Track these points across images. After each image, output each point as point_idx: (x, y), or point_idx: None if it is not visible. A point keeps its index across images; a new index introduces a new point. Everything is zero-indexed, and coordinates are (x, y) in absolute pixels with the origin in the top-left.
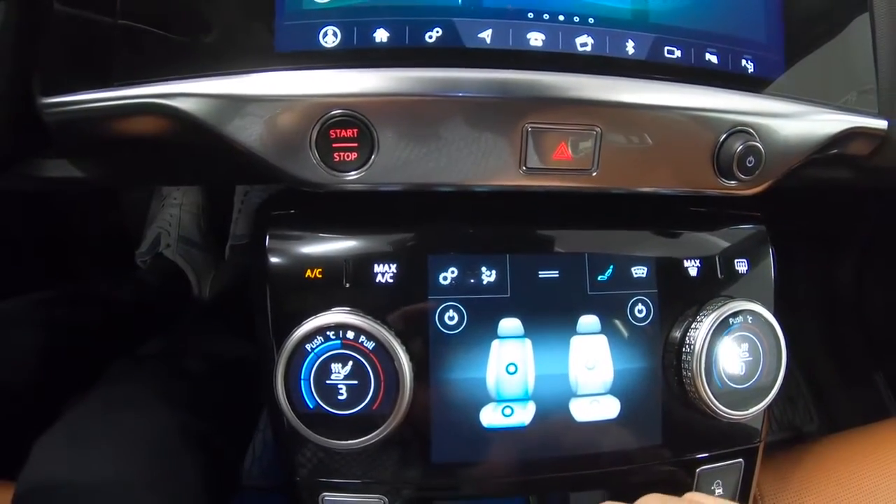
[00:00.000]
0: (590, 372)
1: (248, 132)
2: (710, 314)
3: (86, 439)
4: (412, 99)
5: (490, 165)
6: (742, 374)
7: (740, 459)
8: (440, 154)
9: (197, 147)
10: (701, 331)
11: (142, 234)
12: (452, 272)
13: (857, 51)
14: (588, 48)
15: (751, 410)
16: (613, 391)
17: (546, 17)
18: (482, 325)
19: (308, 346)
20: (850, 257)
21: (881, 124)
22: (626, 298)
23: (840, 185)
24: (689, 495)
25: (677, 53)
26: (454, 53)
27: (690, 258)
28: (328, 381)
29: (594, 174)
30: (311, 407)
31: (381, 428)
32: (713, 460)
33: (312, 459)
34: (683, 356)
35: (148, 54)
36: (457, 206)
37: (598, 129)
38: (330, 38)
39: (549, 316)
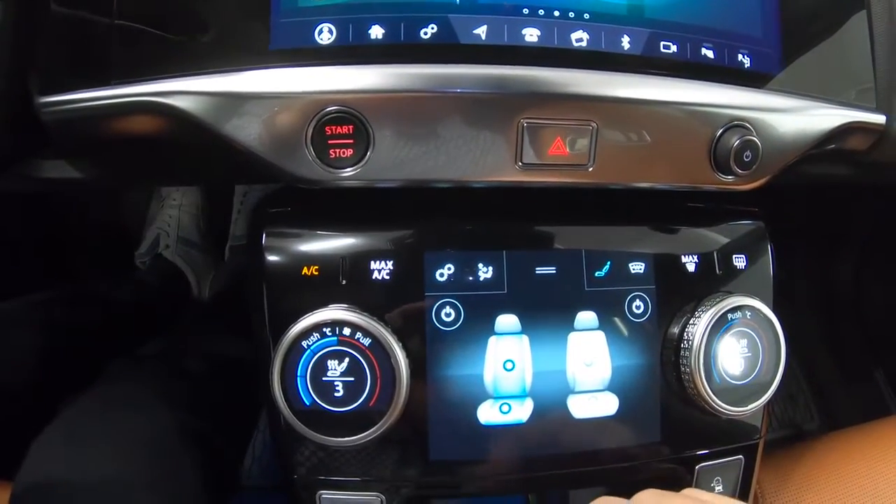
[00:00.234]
0: (588, 368)
1: (244, 129)
2: (709, 310)
3: (84, 438)
4: (407, 95)
5: (486, 161)
6: (741, 370)
7: (740, 456)
8: (436, 150)
9: (194, 146)
10: (699, 326)
11: (141, 234)
12: (449, 269)
13: (855, 46)
14: (583, 43)
15: (750, 407)
16: (612, 388)
17: (541, 12)
18: (479, 322)
19: (304, 343)
20: (850, 254)
21: (879, 119)
22: (623, 294)
23: (838, 181)
24: (686, 491)
25: (673, 48)
26: (449, 50)
27: (688, 254)
28: (324, 378)
29: (590, 169)
30: (308, 404)
31: (378, 425)
32: (713, 457)
33: (309, 457)
34: (682, 352)
35: (145, 53)
36: (453, 202)
37: (594, 125)
38: (325, 35)
39: (547, 312)
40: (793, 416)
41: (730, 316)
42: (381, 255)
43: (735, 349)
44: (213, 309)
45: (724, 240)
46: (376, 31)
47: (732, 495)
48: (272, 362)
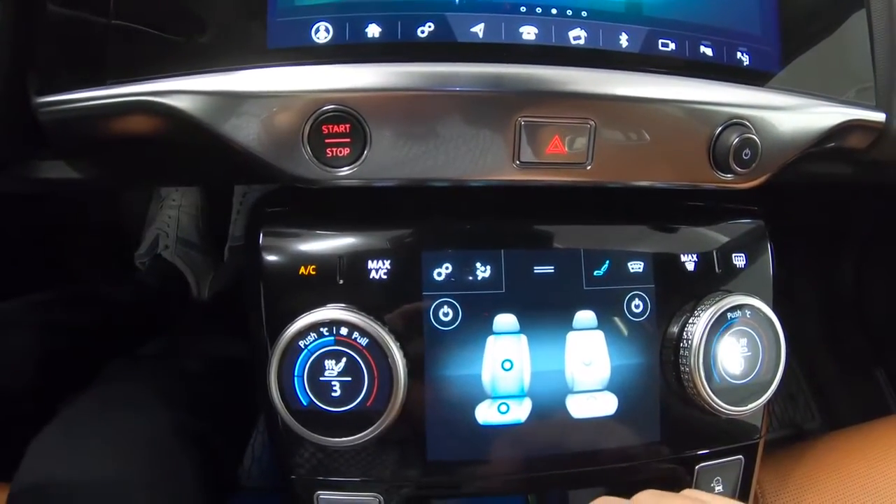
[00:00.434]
0: (586, 368)
1: (241, 128)
2: (708, 309)
3: (82, 438)
4: (404, 94)
5: (483, 160)
6: (741, 369)
7: (740, 456)
8: (433, 149)
9: (191, 145)
10: (699, 326)
11: (141, 235)
12: (447, 268)
13: (854, 44)
14: (581, 41)
15: (750, 406)
16: (611, 387)
17: (539, 10)
18: (477, 322)
19: (301, 343)
20: (850, 253)
21: (879, 116)
22: (622, 293)
23: (838, 181)
24: (686, 492)
25: (671, 46)
26: (446, 48)
27: (688, 253)
28: (322, 378)
29: (589, 168)
30: (305, 404)
31: (376, 425)
32: (713, 457)
33: (307, 457)
34: (681, 351)
35: (141, 52)
36: (451, 201)
37: (592, 123)
38: (322, 33)
39: (545, 311)
40: (793, 416)
41: (729, 315)
42: (378, 255)
43: (735, 348)
44: (213, 309)
45: (724, 238)
46: (373, 30)
47: (732, 495)
48: (269, 362)
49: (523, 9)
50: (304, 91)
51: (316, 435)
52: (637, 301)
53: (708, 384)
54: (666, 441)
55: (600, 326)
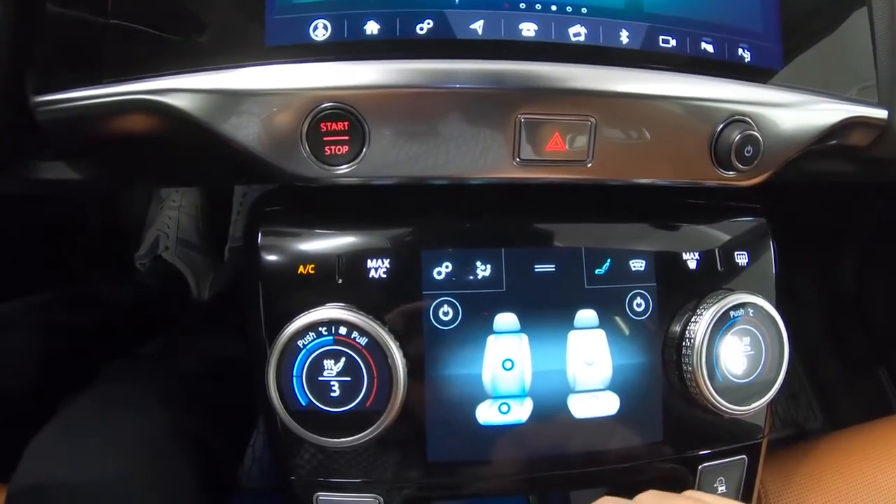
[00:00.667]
0: (588, 367)
1: (239, 127)
2: (711, 307)
3: (81, 438)
4: (403, 91)
5: (483, 157)
6: (744, 368)
7: (743, 456)
8: (432, 146)
9: (189, 145)
10: (701, 324)
11: (141, 236)
12: (447, 267)
13: (856, 41)
14: (581, 38)
15: (753, 406)
16: (612, 387)
17: (538, 6)
18: (477, 321)
19: (300, 343)
20: (853, 252)
21: (881, 113)
22: (624, 292)
23: (840, 179)
24: (688, 493)
25: (672, 43)
26: (445, 45)
27: (690, 251)
28: (321, 378)
29: (589, 165)
30: (304, 404)
31: (375, 425)
32: (715, 457)
33: (306, 458)
34: (684, 350)
35: (139, 51)
36: (450, 200)
37: (592, 120)
38: (320, 31)
39: (546, 310)
40: (795, 416)
41: (732, 314)
42: (377, 254)
43: (738, 347)
44: (213, 310)
45: (726, 237)
46: (371, 27)
47: (736, 495)
48: (268, 362)
49: (523, 5)
50: (302, 89)
51: (315, 435)
52: (639, 300)
53: (711, 383)
54: (668, 441)
55: (602, 325)
